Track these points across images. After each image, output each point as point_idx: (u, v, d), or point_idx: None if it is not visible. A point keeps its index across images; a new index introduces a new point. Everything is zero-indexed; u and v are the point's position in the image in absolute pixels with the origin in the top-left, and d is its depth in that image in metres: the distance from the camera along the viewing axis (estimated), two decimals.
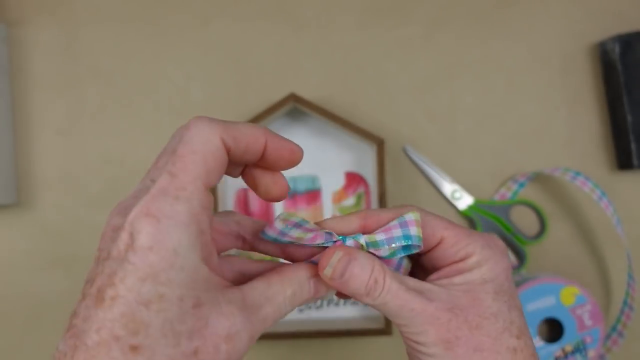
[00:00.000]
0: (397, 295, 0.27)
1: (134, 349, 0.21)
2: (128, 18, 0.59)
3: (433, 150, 0.59)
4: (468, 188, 0.58)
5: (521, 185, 0.58)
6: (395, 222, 0.28)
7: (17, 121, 0.59)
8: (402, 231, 0.28)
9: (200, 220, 0.22)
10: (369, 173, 0.58)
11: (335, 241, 0.28)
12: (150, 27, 0.59)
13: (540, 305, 0.55)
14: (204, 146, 0.23)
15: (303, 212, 0.58)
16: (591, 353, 0.55)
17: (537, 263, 0.58)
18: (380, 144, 0.54)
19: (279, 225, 0.28)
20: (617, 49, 0.55)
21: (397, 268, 0.30)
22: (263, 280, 0.25)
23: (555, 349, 0.55)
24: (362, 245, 0.28)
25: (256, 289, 0.25)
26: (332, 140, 0.58)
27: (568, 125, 0.59)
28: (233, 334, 0.22)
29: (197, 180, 0.22)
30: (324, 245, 0.28)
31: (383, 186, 0.54)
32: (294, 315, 0.58)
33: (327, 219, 0.29)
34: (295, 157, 0.27)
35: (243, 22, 0.59)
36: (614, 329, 0.57)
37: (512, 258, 0.59)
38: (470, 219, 0.58)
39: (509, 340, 0.27)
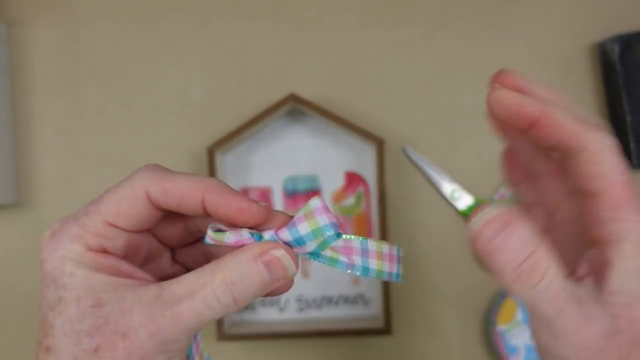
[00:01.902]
0: (556, 298, 0.21)
1: (47, 349, 0.24)
2: (128, 18, 0.59)
3: (433, 150, 0.59)
4: (468, 188, 0.59)
5: None
6: (301, 214, 0.24)
7: (17, 121, 0.59)
8: (362, 260, 0.25)
9: (89, 239, 0.24)
10: (369, 173, 0.58)
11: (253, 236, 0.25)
12: (150, 27, 0.59)
13: None
14: (124, 191, 0.25)
15: None
16: None
17: None
18: (380, 144, 0.54)
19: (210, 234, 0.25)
20: (616, 49, 0.55)
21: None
22: (197, 270, 0.24)
23: None
24: (286, 243, 0.25)
25: (181, 283, 0.24)
26: (332, 140, 0.58)
27: None
28: (128, 331, 0.23)
29: (100, 214, 0.25)
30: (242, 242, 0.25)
31: (383, 186, 0.54)
32: (294, 315, 0.58)
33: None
34: (244, 215, 0.24)
35: (243, 22, 0.59)
36: None
37: None
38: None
39: None
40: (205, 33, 0.59)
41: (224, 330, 0.54)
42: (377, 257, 0.25)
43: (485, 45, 0.59)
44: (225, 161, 0.58)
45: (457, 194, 0.58)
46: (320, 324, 0.56)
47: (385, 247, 0.26)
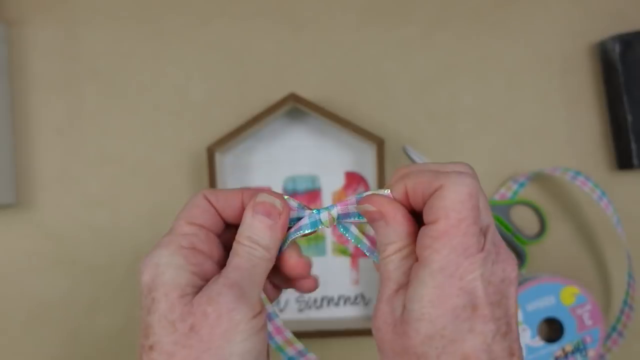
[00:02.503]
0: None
1: (150, 347, 0.27)
2: (128, 18, 0.59)
3: (433, 150, 0.59)
4: None
5: (521, 185, 0.58)
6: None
7: (16, 121, 0.59)
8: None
9: (180, 240, 0.29)
10: (369, 173, 0.58)
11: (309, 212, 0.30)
12: (150, 27, 0.59)
13: (540, 305, 0.55)
14: (191, 201, 0.31)
15: None
16: (591, 353, 0.55)
17: (537, 263, 0.58)
18: (380, 144, 0.54)
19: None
20: (617, 48, 0.55)
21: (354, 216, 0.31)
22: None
23: (555, 348, 0.55)
24: (332, 217, 0.30)
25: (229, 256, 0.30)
26: (332, 140, 0.58)
27: (568, 125, 0.59)
28: (211, 297, 0.27)
29: (180, 219, 0.30)
30: (298, 217, 0.31)
31: (383, 186, 0.54)
32: (294, 315, 0.58)
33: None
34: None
35: (243, 22, 0.59)
36: (613, 328, 0.57)
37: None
38: None
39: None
40: (205, 33, 0.59)
41: None
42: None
43: (485, 45, 0.59)
44: (225, 161, 0.58)
45: None
46: (320, 324, 0.56)
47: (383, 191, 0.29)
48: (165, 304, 0.27)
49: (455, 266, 0.25)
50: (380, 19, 0.59)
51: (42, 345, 0.58)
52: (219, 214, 0.31)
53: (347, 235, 0.31)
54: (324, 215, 0.30)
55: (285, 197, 0.31)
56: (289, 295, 0.58)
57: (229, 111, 0.59)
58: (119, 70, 0.59)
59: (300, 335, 0.54)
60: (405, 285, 0.27)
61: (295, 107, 0.56)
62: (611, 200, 0.56)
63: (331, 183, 0.58)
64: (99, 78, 0.59)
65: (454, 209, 0.26)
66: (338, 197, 0.59)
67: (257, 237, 0.29)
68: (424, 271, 0.25)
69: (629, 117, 0.55)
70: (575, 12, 0.59)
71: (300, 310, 0.58)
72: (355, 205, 0.29)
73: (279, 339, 0.33)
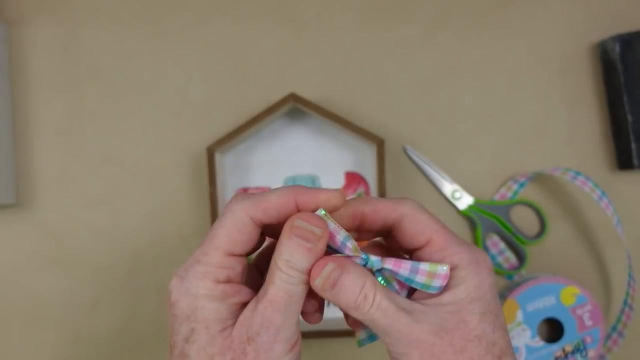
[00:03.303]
0: (386, 313, 0.28)
1: None
2: (128, 18, 0.59)
3: (433, 150, 0.59)
4: (468, 188, 0.58)
5: (521, 185, 0.58)
6: (425, 267, 0.29)
7: (16, 121, 0.59)
8: (425, 279, 0.29)
9: (217, 273, 0.28)
10: (369, 173, 0.58)
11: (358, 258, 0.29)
12: (150, 27, 0.59)
13: (541, 305, 0.55)
14: (231, 222, 0.29)
15: None
16: (591, 353, 0.55)
17: (537, 263, 0.58)
18: (380, 144, 0.54)
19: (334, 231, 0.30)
20: (617, 48, 0.55)
21: (401, 291, 0.30)
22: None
23: (556, 349, 0.55)
24: (379, 269, 0.29)
25: (265, 282, 0.29)
26: (332, 140, 0.58)
27: (568, 125, 0.59)
28: (251, 336, 0.28)
29: (218, 249, 0.28)
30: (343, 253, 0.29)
31: (383, 186, 0.54)
32: None
33: (328, 194, 0.30)
34: (330, 202, 0.29)
35: (243, 22, 0.59)
36: (614, 329, 0.57)
37: (513, 257, 0.59)
38: (470, 219, 0.58)
39: None
40: (205, 33, 0.59)
41: None
42: (427, 275, 0.29)
43: (485, 45, 0.59)
44: (225, 161, 0.58)
45: (457, 194, 0.58)
46: (320, 324, 0.56)
47: (439, 268, 0.29)
48: (206, 337, 0.28)
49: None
50: (380, 19, 0.59)
51: (42, 345, 0.58)
52: (261, 227, 0.30)
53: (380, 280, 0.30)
54: (376, 262, 0.29)
55: (331, 222, 0.29)
56: None
57: (229, 111, 0.59)
58: (119, 71, 0.59)
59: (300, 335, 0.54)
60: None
61: (295, 107, 0.56)
62: (611, 200, 0.56)
63: (331, 183, 0.58)
64: (99, 78, 0.59)
65: (434, 222, 0.31)
66: None
67: (295, 261, 0.28)
68: (459, 272, 0.29)
69: (629, 117, 0.55)
70: (575, 12, 0.59)
71: None
72: (408, 273, 0.29)
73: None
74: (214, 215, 0.55)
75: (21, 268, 0.59)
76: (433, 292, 0.29)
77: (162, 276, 0.58)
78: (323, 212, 0.29)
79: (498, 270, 0.58)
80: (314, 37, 0.59)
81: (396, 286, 0.30)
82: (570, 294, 0.55)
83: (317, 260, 0.28)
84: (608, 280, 0.58)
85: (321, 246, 0.28)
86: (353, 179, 0.59)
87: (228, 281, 0.29)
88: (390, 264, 0.29)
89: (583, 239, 0.59)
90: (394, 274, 0.29)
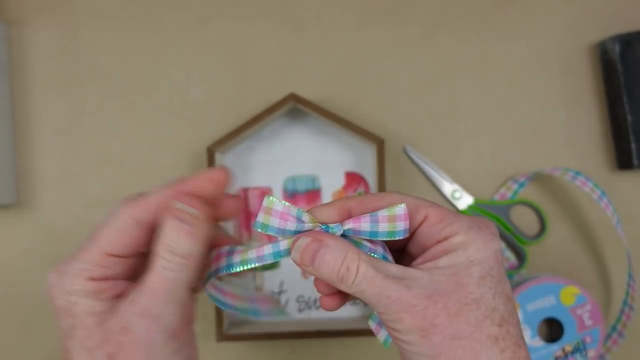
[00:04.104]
0: (373, 282, 0.26)
1: None
2: (128, 18, 0.59)
3: (433, 150, 0.59)
4: (468, 188, 0.58)
5: (521, 185, 0.58)
6: (383, 213, 0.28)
7: (16, 121, 0.59)
8: (384, 229, 0.28)
9: (92, 271, 0.28)
10: (369, 173, 0.58)
11: (308, 231, 0.28)
12: (150, 27, 0.59)
13: (540, 305, 0.55)
14: (115, 223, 0.28)
15: None
16: (591, 353, 0.55)
17: (537, 263, 0.58)
18: (380, 144, 0.54)
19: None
20: (617, 48, 0.55)
21: (384, 256, 0.29)
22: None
23: (555, 348, 0.55)
24: (343, 235, 0.28)
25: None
26: (332, 140, 0.58)
27: (568, 125, 0.59)
28: (125, 325, 0.27)
29: (98, 248, 0.28)
30: (295, 233, 0.28)
31: (383, 186, 0.54)
32: (294, 315, 0.58)
33: (313, 207, 0.30)
34: (205, 188, 0.29)
35: (243, 22, 0.59)
36: (614, 328, 0.57)
37: (512, 257, 0.59)
38: None
39: (490, 328, 0.26)
40: (205, 33, 0.59)
41: (223, 331, 0.54)
42: (387, 220, 0.28)
43: (485, 45, 0.59)
44: (225, 161, 0.58)
45: (457, 194, 0.58)
46: (320, 324, 0.56)
47: (397, 209, 0.28)
48: (83, 331, 0.27)
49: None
50: (380, 19, 0.59)
51: (42, 345, 0.58)
52: (149, 227, 0.29)
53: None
54: (336, 227, 0.28)
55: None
56: (289, 295, 0.58)
57: (229, 111, 0.59)
58: (120, 70, 0.59)
59: (300, 335, 0.54)
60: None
61: (295, 107, 0.56)
62: (611, 200, 0.56)
63: (331, 183, 0.58)
64: (99, 78, 0.59)
65: (426, 202, 0.30)
66: (338, 197, 0.58)
67: (175, 245, 0.27)
68: (457, 237, 0.28)
69: (629, 117, 0.55)
70: (575, 12, 0.59)
71: (300, 310, 0.58)
72: (369, 226, 0.28)
73: (235, 302, 0.31)
74: None
75: (21, 268, 0.59)
76: (400, 237, 0.28)
77: None
78: (271, 198, 0.28)
79: None
80: (314, 37, 0.59)
81: (368, 245, 0.29)
82: (570, 293, 0.55)
83: (203, 246, 0.28)
84: (608, 280, 0.58)
85: (202, 229, 0.28)
86: (353, 179, 0.59)
87: (104, 279, 0.28)
88: (350, 224, 0.28)
89: (583, 239, 0.59)
90: (357, 233, 0.28)
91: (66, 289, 0.28)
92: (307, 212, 0.29)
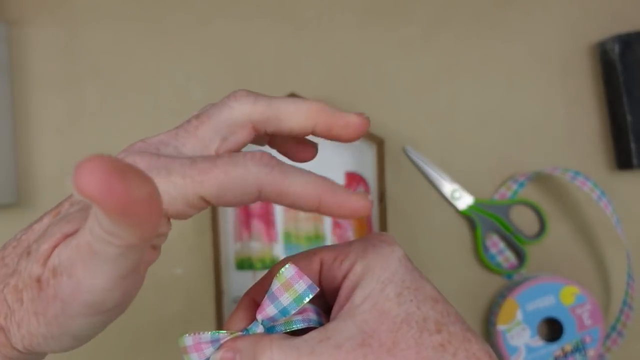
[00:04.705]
0: None
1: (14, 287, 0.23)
2: (128, 17, 0.59)
3: (433, 150, 0.59)
4: (468, 188, 0.59)
5: (521, 185, 0.58)
6: (276, 285, 0.26)
7: (17, 120, 0.59)
8: (289, 299, 0.25)
9: (173, 203, 0.23)
10: (369, 173, 0.58)
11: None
12: (150, 27, 0.59)
13: (540, 305, 0.55)
14: (236, 185, 0.24)
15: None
16: (591, 352, 0.55)
17: (537, 263, 0.58)
18: (380, 144, 0.54)
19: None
20: (616, 49, 0.55)
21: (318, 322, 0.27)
22: None
23: (555, 348, 0.55)
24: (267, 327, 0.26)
25: None
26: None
27: (568, 125, 0.59)
28: (61, 272, 0.22)
29: (201, 186, 0.24)
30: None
31: (383, 186, 0.54)
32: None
33: (228, 318, 0.28)
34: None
35: (243, 22, 0.59)
36: (613, 328, 0.57)
37: (512, 257, 0.59)
38: (470, 219, 0.58)
39: (430, 339, 0.24)
40: (205, 33, 0.59)
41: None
42: (284, 289, 0.26)
43: (485, 45, 0.59)
44: None
45: (457, 194, 0.58)
46: None
47: (284, 272, 0.26)
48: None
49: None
50: (380, 19, 0.59)
51: None
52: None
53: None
54: (254, 326, 0.26)
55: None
56: None
57: None
58: (120, 70, 0.59)
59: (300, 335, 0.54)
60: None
61: None
62: (611, 200, 0.56)
63: None
64: (99, 78, 0.59)
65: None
66: None
67: (102, 217, 0.20)
68: (357, 268, 0.26)
69: (629, 117, 0.55)
70: (575, 12, 0.59)
71: None
72: (272, 306, 0.26)
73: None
74: (214, 215, 0.55)
75: None
76: (312, 294, 0.25)
77: (162, 275, 0.58)
78: (180, 338, 0.26)
79: (498, 269, 0.58)
80: (314, 37, 0.59)
81: (300, 317, 0.26)
82: (569, 293, 0.55)
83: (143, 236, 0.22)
84: (607, 279, 0.58)
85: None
86: (353, 179, 0.59)
87: (174, 216, 0.24)
88: (260, 315, 0.26)
89: (582, 239, 0.59)
90: (273, 320, 0.26)
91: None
92: (226, 323, 0.27)
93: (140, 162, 0.23)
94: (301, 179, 0.24)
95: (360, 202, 0.25)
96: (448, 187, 0.58)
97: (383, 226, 0.54)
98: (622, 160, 0.57)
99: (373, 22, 0.59)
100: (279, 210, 0.58)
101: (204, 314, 0.57)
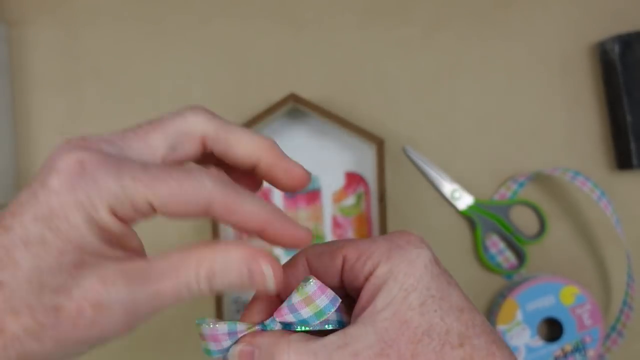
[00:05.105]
0: None
1: (0, 283, 0.21)
2: (128, 17, 0.59)
3: (433, 150, 0.59)
4: (468, 188, 0.59)
5: (521, 185, 0.58)
6: (297, 298, 0.25)
7: (17, 121, 0.59)
8: (309, 313, 0.25)
9: (122, 208, 0.22)
10: (369, 173, 0.58)
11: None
12: (150, 27, 0.59)
13: (540, 305, 0.55)
14: (188, 189, 0.23)
15: (303, 211, 0.59)
16: (591, 353, 0.55)
17: (537, 263, 0.58)
18: (380, 144, 0.54)
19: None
20: (616, 49, 0.55)
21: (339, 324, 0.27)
22: (183, 250, 0.23)
23: (555, 348, 0.55)
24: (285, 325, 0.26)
25: (167, 260, 0.23)
26: (332, 140, 0.58)
27: (568, 125, 0.59)
28: (103, 302, 0.21)
29: (150, 191, 0.23)
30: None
31: (383, 186, 0.54)
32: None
33: (245, 309, 0.28)
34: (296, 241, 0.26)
35: (243, 22, 0.59)
36: (613, 328, 0.57)
37: (512, 257, 0.59)
38: (470, 219, 0.58)
39: (452, 354, 0.23)
40: (205, 33, 0.59)
41: None
42: (305, 304, 0.25)
43: (485, 45, 0.59)
44: None
45: (457, 194, 0.58)
46: None
47: (306, 287, 0.25)
48: (54, 262, 0.21)
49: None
50: (380, 19, 0.59)
51: None
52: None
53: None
54: (272, 323, 0.26)
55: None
56: None
57: (229, 111, 0.59)
58: (120, 70, 0.59)
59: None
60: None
61: (295, 107, 0.56)
62: (611, 200, 0.56)
63: (331, 183, 0.59)
64: (99, 78, 0.59)
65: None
66: (338, 197, 0.59)
67: (219, 285, 0.23)
68: (380, 269, 0.26)
69: (629, 118, 0.55)
70: (575, 12, 0.59)
71: None
72: (292, 315, 0.26)
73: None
74: None
75: None
76: (333, 308, 0.25)
77: None
78: (199, 322, 0.26)
79: (498, 269, 0.58)
80: (314, 37, 0.59)
81: (318, 325, 0.26)
82: (569, 293, 0.55)
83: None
84: (607, 280, 0.58)
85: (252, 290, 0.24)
86: (353, 179, 0.59)
87: (125, 221, 0.23)
88: (278, 317, 0.26)
89: (582, 239, 0.59)
90: (290, 325, 0.26)
91: (79, 199, 0.21)
92: (243, 314, 0.27)
93: (90, 158, 0.22)
94: (253, 201, 0.24)
95: (302, 234, 0.25)
96: (448, 187, 0.58)
97: (383, 226, 0.54)
98: (622, 160, 0.57)
99: (373, 22, 0.59)
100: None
101: (204, 314, 0.57)
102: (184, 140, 0.26)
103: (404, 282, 0.24)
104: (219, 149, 0.26)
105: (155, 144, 0.25)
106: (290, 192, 0.28)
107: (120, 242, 0.24)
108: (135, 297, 0.22)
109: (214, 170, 0.24)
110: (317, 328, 0.26)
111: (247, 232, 0.25)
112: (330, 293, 0.25)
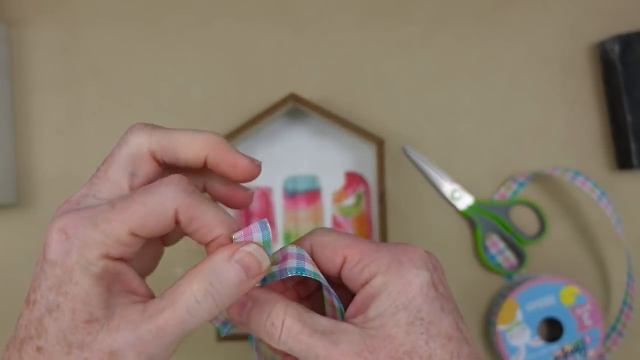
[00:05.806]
0: (298, 339, 0.25)
1: (39, 349, 0.24)
2: (128, 18, 0.59)
3: (433, 150, 0.59)
4: (468, 188, 0.59)
5: (521, 185, 0.58)
6: (292, 250, 0.26)
7: (17, 121, 0.59)
8: (297, 262, 0.26)
9: (112, 248, 0.24)
10: (369, 173, 0.58)
11: None
12: (150, 27, 0.59)
13: (540, 305, 0.55)
14: (155, 207, 0.24)
15: (303, 211, 0.59)
16: (591, 353, 0.55)
17: (537, 263, 0.58)
18: (380, 144, 0.54)
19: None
20: (616, 49, 0.55)
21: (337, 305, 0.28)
22: (176, 281, 0.24)
23: (555, 348, 0.55)
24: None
25: (163, 296, 0.24)
26: (332, 140, 0.58)
27: (568, 125, 0.59)
28: (115, 351, 0.23)
29: (125, 224, 0.24)
30: None
31: (383, 186, 0.54)
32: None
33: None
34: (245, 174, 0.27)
35: (243, 22, 0.59)
36: (613, 328, 0.57)
37: (512, 257, 0.59)
38: (470, 219, 0.58)
39: None
40: (205, 33, 0.59)
41: None
42: (309, 262, 0.27)
43: (485, 46, 0.59)
44: None
45: (457, 194, 0.58)
46: None
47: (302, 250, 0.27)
48: (70, 322, 0.23)
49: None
50: (380, 19, 0.59)
51: None
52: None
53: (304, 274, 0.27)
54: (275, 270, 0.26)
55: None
56: None
57: (229, 111, 0.59)
58: (120, 70, 0.59)
59: None
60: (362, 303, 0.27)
61: (295, 107, 0.56)
62: (611, 200, 0.56)
63: (331, 183, 0.59)
64: (99, 78, 0.59)
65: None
66: (338, 197, 0.59)
67: (222, 294, 0.23)
68: (377, 279, 0.26)
69: (629, 117, 0.55)
70: (575, 12, 0.59)
71: None
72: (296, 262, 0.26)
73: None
74: None
75: (21, 268, 0.59)
76: (268, 240, 0.25)
77: (163, 275, 0.58)
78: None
79: (498, 270, 0.58)
80: (314, 37, 0.59)
81: (326, 294, 0.27)
82: (569, 293, 0.55)
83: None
84: (607, 279, 0.58)
85: (254, 284, 0.25)
86: (353, 179, 0.59)
87: (120, 259, 0.24)
88: (278, 255, 0.27)
89: (582, 239, 0.59)
90: (281, 273, 0.26)
91: (73, 260, 0.23)
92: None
93: (67, 222, 0.24)
94: (214, 210, 0.25)
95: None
96: (448, 187, 0.58)
97: (383, 226, 0.54)
98: (622, 160, 0.57)
99: (373, 22, 0.59)
100: (279, 211, 0.58)
101: None
102: (138, 162, 0.27)
103: (396, 298, 0.25)
104: (169, 158, 0.27)
105: (116, 179, 0.26)
106: (243, 182, 0.28)
107: (123, 283, 0.25)
108: (141, 338, 0.23)
109: (175, 178, 0.25)
110: (281, 276, 0.26)
111: (203, 241, 0.25)
112: (300, 262, 0.26)
